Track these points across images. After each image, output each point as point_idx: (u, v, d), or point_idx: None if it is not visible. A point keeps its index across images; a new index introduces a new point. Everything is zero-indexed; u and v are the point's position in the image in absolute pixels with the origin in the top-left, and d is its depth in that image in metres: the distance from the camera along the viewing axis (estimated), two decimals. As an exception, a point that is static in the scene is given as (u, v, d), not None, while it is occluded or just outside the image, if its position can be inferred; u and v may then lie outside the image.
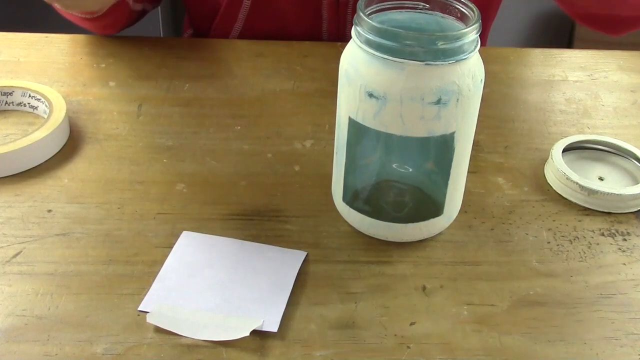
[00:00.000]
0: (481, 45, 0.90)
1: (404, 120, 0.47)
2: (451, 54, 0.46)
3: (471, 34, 0.46)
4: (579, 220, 0.58)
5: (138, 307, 0.48)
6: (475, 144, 0.55)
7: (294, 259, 0.52)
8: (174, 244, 0.54)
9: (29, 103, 0.69)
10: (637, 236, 0.57)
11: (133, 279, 0.51)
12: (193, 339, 0.46)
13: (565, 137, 0.65)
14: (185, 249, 0.53)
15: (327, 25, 0.86)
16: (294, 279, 0.51)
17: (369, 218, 0.53)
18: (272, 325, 0.47)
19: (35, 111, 0.69)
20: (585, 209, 0.59)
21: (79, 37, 0.82)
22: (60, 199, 0.58)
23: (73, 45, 0.81)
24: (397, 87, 0.46)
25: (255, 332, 0.46)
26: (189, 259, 0.53)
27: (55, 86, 0.73)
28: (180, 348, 0.46)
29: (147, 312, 0.47)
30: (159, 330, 0.47)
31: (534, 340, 0.47)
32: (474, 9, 0.48)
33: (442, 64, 0.46)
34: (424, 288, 0.51)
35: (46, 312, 0.48)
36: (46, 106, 0.67)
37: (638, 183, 0.61)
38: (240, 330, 0.46)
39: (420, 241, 0.55)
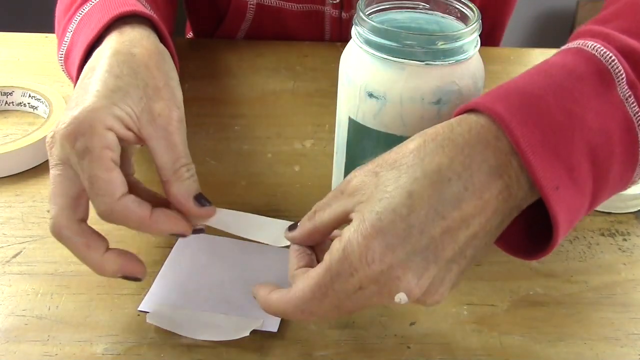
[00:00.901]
0: (496, 39, 0.90)
1: (404, 120, 0.47)
2: (451, 54, 0.46)
3: (471, 34, 0.46)
4: (579, 220, 0.58)
5: (138, 307, 0.48)
6: (475, 144, 0.55)
7: None
8: (174, 244, 0.54)
9: (29, 103, 0.69)
10: (637, 236, 0.57)
11: (133, 279, 0.51)
12: (193, 339, 0.46)
13: (565, 137, 0.65)
14: (185, 249, 0.53)
15: (330, 38, 0.85)
16: (294, 279, 0.51)
17: (369, 218, 0.53)
18: (272, 325, 0.47)
19: (35, 111, 0.69)
20: (585, 209, 0.59)
21: (79, 37, 0.82)
22: (60, 199, 0.58)
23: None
24: (397, 87, 0.46)
25: (255, 332, 0.46)
26: (189, 259, 0.52)
27: (55, 86, 0.73)
28: (180, 348, 0.46)
29: (147, 312, 0.47)
30: (159, 330, 0.47)
31: (534, 340, 0.47)
32: (474, 9, 0.48)
33: (442, 64, 0.46)
34: (424, 288, 0.51)
35: (46, 312, 0.48)
36: (46, 106, 0.67)
37: (638, 183, 0.61)
38: (240, 330, 0.46)
39: (420, 241, 0.55)
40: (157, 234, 0.49)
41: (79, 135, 0.44)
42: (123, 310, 0.48)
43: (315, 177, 0.62)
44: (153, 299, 0.49)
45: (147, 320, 0.47)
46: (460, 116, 0.41)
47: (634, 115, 0.41)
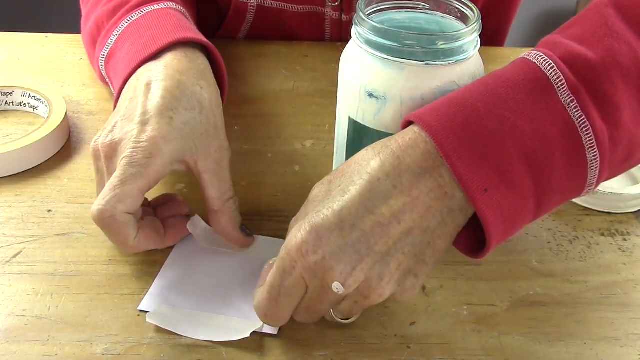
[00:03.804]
0: (500, 40, 0.90)
1: (404, 120, 0.47)
2: (451, 54, 0.46)
3: (471, 34, 0.46)
4: (579, 220, 0.58)
5: (138, 307, 0.48)
6: (475, 144, 0.55)
7: None
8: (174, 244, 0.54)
9: (29, 103, 0.69)
10: (637, 236, 0.57)
11: (133, 279, 0.51)
12: (193, 339, 0.46)
13: (565, 137, 0.65)
14: (185, 250, 0.53)
15: (330, 39, 0.85)
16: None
17: (369, 218, 0.53)
18: (271, 328, 0.47)
19: (35, 111, 0.69)
20: (585, 209, 0.59)
21: (79, 37, 0.81)
22: (60, 199, 0.58)
23: (73, 45, 0.81)
24: (397, 87, 0.46)
25: (255, 332, 0.46)
26: (189, 260, 0.52)
27: (55, 86, 0.73)
28: (180, 348, 0.46)
29: (147, 312, 0.47)
30: (159, 330, 0.47)
31: (534, 340, 0.47)
32: (474, 9, 0.48)
33: (442, 64, 0.46)
34: (424, 288, 0.51)
35: (46, 312, 0.48)
36: (46, 106, 0.67)
37: (638, 183, 0.61)
38: (240, 332, 0.46)
39: (420, 241, 0.55)
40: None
41: (149, 153, 0.48)
42: (123, 310, 0.48)
43: (315, 177, 0.62)
44: (153, 299, 0.49)
45: (147, 320, 0.47)
46: (403, 129, 0.44)
47: (577, 119, 0.42)
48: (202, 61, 0.56)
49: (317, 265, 0.41)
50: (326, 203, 0.42)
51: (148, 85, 0.52)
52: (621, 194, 0.58)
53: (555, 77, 0.42)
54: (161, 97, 0.50)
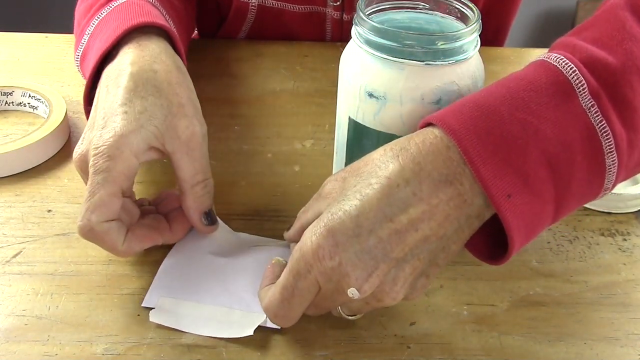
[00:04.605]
0: (500, 41, 0.90)
1: (404, 120, 0.47)
2: (451, 54, 0.46)
3: (471, 34, 0.46)
4: (579, 220, 0.58)
5: (142, 303, 0.48)
6: (475, 144, 0.55)
7: None
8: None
9: (29, 103, 0.69)
10: (637, 236, 0.57)
11: (133, 278, 0.51)
12: (194, 336, 0.46)
13: (565, 137, 0.65)
14: (187, 240, 0.53)
15: (331, 39, 0.85)
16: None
17: (369, 218, 0.53)
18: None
19: (35, 111, 0.69)
20: (585, 209, 0.59)
21: (79, 37, 0.82)
22: (60, 199, 0.58)
23: (73, 46, 0.81)
24: (397, 87, 0.46)
25: (255, 331, 0.46)
26: (190, 253, 0.52)
27: (55, 86, 0.73)
28: (180, 348, 0.46)
29: (151, 309, 0.47)
30: (159, 330, 0.47)
31: (534, 340, 0.47)
32: (474, 9, 0.48)
33: (442, 64, 0.46)
34: (424, 288, 0.51)
35: (46, 312, 0.48)
36: (46, 106, 0.67)
37: (638, 183, 0.61)
38: (244, 328, 0.46)
39: (420, 241, 0.55)
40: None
41: (107, 156, 0.47)
42: (123, 310, 0.48)
43: (315, 177, 0.62)
44: (156, 292, 0.49)
45: (150, 320, 0.47)
46: (421, 129, 0.43)
47: (597, 124, 0.41)
48: (156, 45, 0.54)
49: (334, 270, 0.41)
50: (342, 205, 0.41)
51: (107, 87, 0.51)
52: (621, 194, 0.58)
53: (577, 81, 0.42)
54: (114, 95, 0.50)
